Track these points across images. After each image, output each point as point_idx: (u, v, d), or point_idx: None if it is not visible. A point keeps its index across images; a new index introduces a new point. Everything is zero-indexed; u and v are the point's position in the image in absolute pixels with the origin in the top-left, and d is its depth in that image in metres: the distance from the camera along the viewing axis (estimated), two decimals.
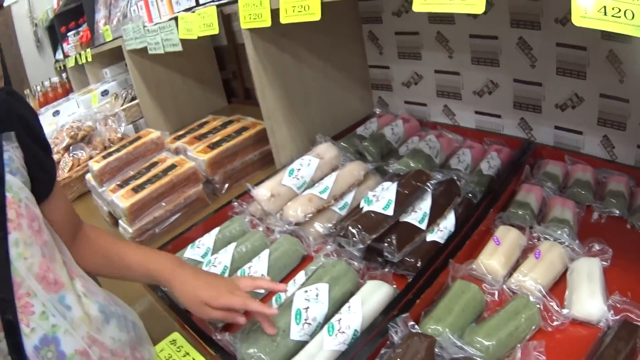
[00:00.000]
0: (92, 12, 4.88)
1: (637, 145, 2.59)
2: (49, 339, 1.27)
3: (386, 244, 2.16)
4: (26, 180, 1.38)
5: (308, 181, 2.65)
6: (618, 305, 1.79)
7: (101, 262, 1.79)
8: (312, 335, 1.86)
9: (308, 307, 1.90)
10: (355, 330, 1.81)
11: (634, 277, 1.96)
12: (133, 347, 1.60)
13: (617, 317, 1.76)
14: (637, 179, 2.53)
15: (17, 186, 1.32)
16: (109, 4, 4.52)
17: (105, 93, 4.74)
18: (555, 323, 1.81)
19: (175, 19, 3.06)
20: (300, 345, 1.82)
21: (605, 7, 1.35)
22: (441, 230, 2.30)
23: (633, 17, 1.32)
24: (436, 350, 1.67)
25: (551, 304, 1.87)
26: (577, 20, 1.42)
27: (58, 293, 1.35)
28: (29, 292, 1.26)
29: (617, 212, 2.33)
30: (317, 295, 1.96)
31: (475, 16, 2.91)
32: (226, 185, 3.23)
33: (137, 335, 1.67)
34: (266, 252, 2.27)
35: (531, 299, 1.87)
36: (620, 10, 1.34)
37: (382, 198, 2.33)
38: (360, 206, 2.38)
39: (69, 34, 6.08)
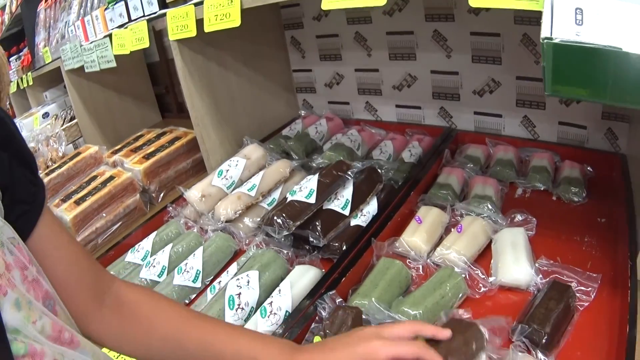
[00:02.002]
0: (33, 36, 4.76)
1: (558, 122, 2.61)
2: None
3: (311, 230, 2.13)
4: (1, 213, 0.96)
5: (237, 181, 2.62)
6: (546, 269, 1.79)
7: (157, 345, 1.26)
8: (247, 319, 1.87)
9: (240, 294, 1.89)
10: (287, 311, 1.80)
11: (562, 243, 1.97)
12: None
13: (546, 280, 1.74)
14: (562, 154, 2.53)
15: None
16: (48, 26, 4.38)
17: (46, 115, 4.66)
18: (482, 290, 1.79)
19: (110, 36, 3.02)
20: None
21: None
22: (364, 215, 2.28)
23: None
24: (364, 317, 1.67)
25: (476, 272, 1.84)
26: (474, 1, 1.44)
27: (77, 349, 0.99)
28: (56, 357, 0.89)
29: (541, 185, 2.34)
30: (248, 282, 1.95)
31: (391, 14, 2.90)
32: (162, 194, 3.18)
33: None
34: (200, 249, 2.25)
35: (456, 269, 1.83)
36: None
37: (304, 188, 2.29)
38: (285, 198, 2.35)
39: (11, 59, 5.91)
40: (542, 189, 2.35)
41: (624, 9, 1.19)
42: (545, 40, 1.17)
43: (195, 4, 2.39)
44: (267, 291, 1.96)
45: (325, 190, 2.30)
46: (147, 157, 3.17)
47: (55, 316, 0.97)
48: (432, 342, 1.35)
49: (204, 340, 1.24)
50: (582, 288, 1.70)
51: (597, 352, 1.47)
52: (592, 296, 1.68)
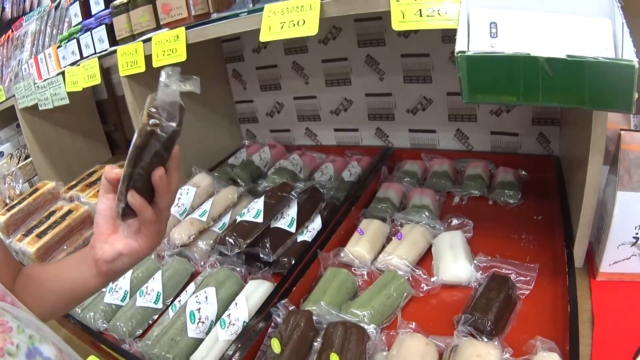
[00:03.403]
0: None
1: (491, 132, 2.70)
2: (32, 352, 1.14)
3: (261, 248, 2.18)
4: None
5: (188, 208, 2.67)
6: (485, 265, 1.88)
7: (40, 296, 1.45)
8: (207, 332, 1.91)
9: (200, 308, 1.93)
10: (244, 321, 1.86)
11: (500, 242, 2.07)
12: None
13: (486, 275, 1.81)
14: (497, 162, 2.62)
15: None
16: (1, 65, 4.29)
17: (0, 154, 4.71)
18: (425, 289, 1.86)
19: (63, 73, 3.03)
20: (199, 341, 1.87)
21: (420, 9, 1.50)
22: (310, 232, 2.34)
23: (446, 13, 1.46)
24: (315, 319, 1.74)
25: (418, 273, 1.92)
26: (396, 25, 1.55)
27: (18, 308, 1.21)
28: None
29: (477, 192, 2.43)
30: (206, 298, 1.98)
31: (325, 42, 2.98)
32: None
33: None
34: (159, 273, 2.28)
35: (399, 272, 1.91)
36: (434, 10, 1.49)
37: (252, 209, 2.36)
38: (236, 220, 2.40)
39: None
40: (478, 195, 2.44)
41: (534, 19, 1.32)
42: (459, 54, 1.27)
43: (144, 41, 2.44)
44: (224, 305, 1.99)
45: (272, 209, 2.36)
46: None
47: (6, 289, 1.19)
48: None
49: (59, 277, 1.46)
50: (522, 278, 1.78)
51: (542, 334, 1.51)
52: (532, 285, 1.76)
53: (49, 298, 1.45)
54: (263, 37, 1.88)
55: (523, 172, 2.52)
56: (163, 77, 1.13)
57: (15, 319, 1.14)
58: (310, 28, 1.75)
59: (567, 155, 2.34)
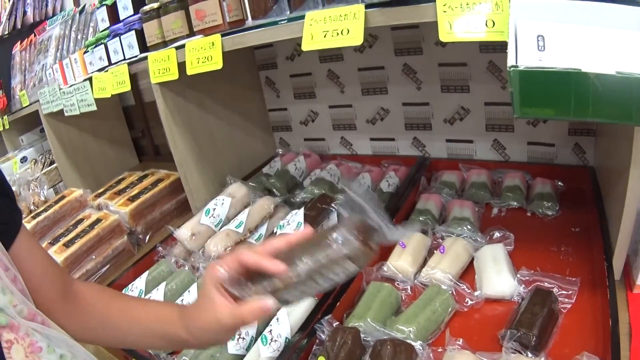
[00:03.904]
0: (8, 79, 4.77)
1: (527, 142, 2.72)
2: None
3: None
4: None
5: (224, 219, 2.68)
6: (527, 279, 1.88)
7: (101, 330, 1.48)
8: (248, 348, 1.91)
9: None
10: (286, 337, 1.86)
11: (540, 254, 2.07)
12: None
13: (529, 289, 1.83)
14: (533, 173, 2.63)
15: None
16: (23, 69, 4.44)
17: (24, 159, 4.63)
18: (470, 303, 1.87)
19: (90, 79, 3.04)
20: (239, 358, 1.88)
21: (468, 21, 1.51)
22: None
23: (494, 25, 1.45)
24: (362, 336, 1.74)
25: (462, 287, 1.93)
26: (444, 36, 1.56)
27: (50, 327, 1.20)
28: (28, 332, 1.10)
29: (515, 203, 2.44)
30: None
31: (362, 51, 3.00)
32: (148, 235, 3.21)
33: None
34: (194, 286, 2.29)
35: (443, 287, 1.92)
36: (482, 22, 1.46)
37: (292, 222, 2.38)
38: (274, 232, 2.42)
39: None
40: (516, 206, 2.45)
41: (581, 32, 1.33)
42: (512, 68, 1.28)
43: (177, 47, 2.45)
44: (264, 321, 1.99)
45: (312, 222, 2.37)
46: (132, 199, 3.21)
47: (31, 304, 1.17)
48: None
49: (129, 315, 1.48)
50: (564, 292, 1.80)
51: (584, 347, 1.54)
52: (574, 299, 1.78)
53: (114, 333, 1.49)
54: (305, 46, 1.87)
55: (560, 183, 2.54)
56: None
57: (45, 338, 1.14)
58: (355, 38, 1.74)
59: (603, 166, 2.36)
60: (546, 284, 1.85)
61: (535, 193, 2.47)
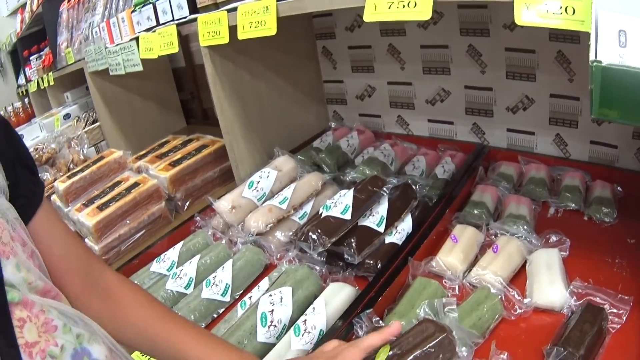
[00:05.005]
0: (55, 35, 4.80)
1: (590, 141, 2.62)
2: (79, 353, 1.08)
3: (346, 247, 2.15)
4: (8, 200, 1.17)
5: (267, 193, 2.64)
6: (580, 291, 1.80)
7: (133, 337, 1.42)
8: (279, 337, 1.86)
9: (273, 310, 1.89)
10: (321, 330, 1.81)
11: (594, 264, 1.98)
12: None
13: (580, 302, 1.76)
14: (593, 174, 2.55)
15: (5, 206, 1.12)
16: (70, 27, 4.45)
17: (67, 116, 4.68)
18: (518, 312, 1.81)
19: (137, 39, 3.03)
20: (268, 346, 1.82)
21: (547, 4, 1.38)
22: (399, 233, 2.30)
23: (574, 13, 1.35)
24: None
25: (512, 293, 1.86)
26: (519, 20, 1.44)
27: (64, 302, 1.16)
28: (44, 308, 1.04)
29: (573, 205, 2.35)
30: (281, 299, 1.95)
31: (425, 27, 2.93)
32: (187, 203, 3.19)
33: None
34: (229, 262, 2.25)
35: (492, 290, 1.86)
36: (561, 7, 1.37)
37: (339, 204, 2.31)
38: (320, 213, 2.36)
39: (31, 57, 5.99)
40: (574, 208, 2.37)
41: None
42: (595, 64, 1.19)
43: (229, 10, 2.40)
44: (300, 308, 1.96)
45: (361, 206, 2.32)
46: (173, 164, 3.19)
47: (49, 281, 1.16)
48: (401, 347, 1.50)
49: (173, 342, 1.41)
50: (614, 310, 1.73)
51: None
52: (624, 319, 1.70)
53: (148, 348, 1.46)
54: (368, 17, 1.80)
55: (619, 188, 2.45)
56: None
57: (62, 315, 1.09)
58: (423, 12, 1.64)
59: None
60: (598, 299, 1.78)
61: (594, 196, 2.39)
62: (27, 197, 1.24)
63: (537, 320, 1.80)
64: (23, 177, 1.24)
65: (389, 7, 1.73)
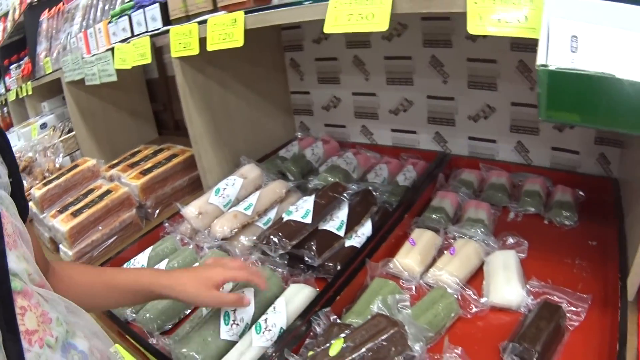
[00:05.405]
0: (34, 45, 4.80)
1: (552, 147, 2.65)
2: (66, 346, 1.15)
3: (307, 250, 2.16)
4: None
5: (233, 199, 2.64)
6: (537, 290, 1.82)
7: (80, 293, 1.57)
8: (241, 335, 1.86)
9: (235, 310, 1.89)
10: (281, 328, 1.82)
11: (553, 265, 2.00)
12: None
13: (537, 301, 1.77)
14: (555, 179, 2.56)
15: (8, 201, 1.19)
16: (50, 37, 4.44)
17: (44, 126, 4.66)
18: (474, 310, 1.82)
19: (112, 49, 3.03)
20: (231, 344, 1.83)
21: (499, 14, 1.44)
22: (359, 237, 2.31)
23: (526, 21, 1.40)
24: None
25: (468, 293, 1.87)
26: (471, 29, 1.49)
27: (54, 300, 1.20)
28: (39, 301, 1.11)
29: (533, 209, 2.37)
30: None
31: (389, 39, 2.94)
32: (157, 210, 3.19)
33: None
34: (196, 265, 2.26)
35: (448, 290, 1.87)
36: (514, 16, 1.41)
37: (301, 208, 2.33)
38: (282, 217, 2.37)
39: (11, 67, 5.97)
40: (534, 212, 2.39)
41: (616, 35, 1.24)
42: (541, 67, 1.22)
43: (199, 22, 2.42)
44: (261, 308, 1.94)
45: (321, 211, 2.33)
46: (144, 172, 3.19)
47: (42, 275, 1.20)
48: (354, 340, 1.55)
49: (108, 279, 1.72)
50: (573, 308, 1.73)
51: None
52: (583, 316, 1.71)
53: (92, 301, 1.66)
54: (328, 29, 1.81)
55: (580, 193, 2.47)
56: None
57: (55, 310, 1.15)
58: (380, 23, 1.68)
59: (628, 179, 2.30)
60: (556, 297, 1.80)
61: (554, 201, 2.40)
62: (23, 205, 1.31)
63: (494, 319, 1.81)
64: (18, 188, 1.29)
65: (349, 20, 1.75)
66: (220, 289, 1.99)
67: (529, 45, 2.40)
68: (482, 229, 2.20)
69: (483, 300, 1.85)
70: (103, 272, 1.86)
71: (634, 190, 2.02)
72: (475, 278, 2.04)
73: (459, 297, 1.88)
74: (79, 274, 1.67)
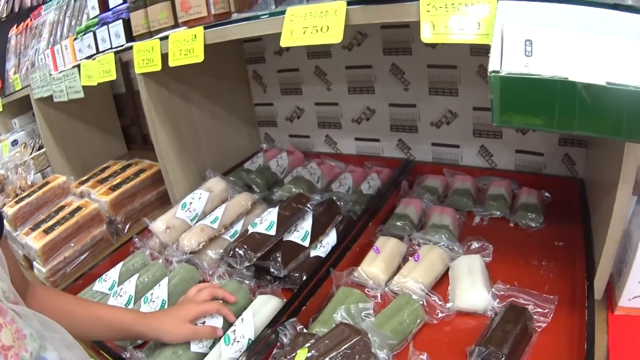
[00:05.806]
0: (3, 61, 4.71)
1: (515, 150, 2.65)
2: None
3: (272, 262, 2.15)
4: None
5: (200, 213, 2.63)
6: (503, 293, 1.82)
7: (62, 319, 1.44)
8: (211, 347, 1.87)
9: (204, 322, 1.89)
10: (249, 339, 1.82)
11: (519, 268, 2.01)
12: None
13: (503, 304, 1.76)
14: (520, 182, 2.57)
15: None
16: (18, 53, 4.39)
17: (15, 143, 4.61)
18: (440, 316, 1.81)
19: (78, 66, 3.00)
20: (201, 356, 1.84)
21: (452, 22, 1.44)
22: (324, 246, 2.30)
23: (479, 27, 1.40)
24: None
25: (434, 299, 1.86)
26: (423, 37, 1.49)
27: (28, 316, 1.23)
28: (14, 318, 1.14)
29: (498, 213, 2.37)
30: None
31: (350, 48, 2.93)
32: (127, 225, 3.16)
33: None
34: (165, 280, 2.24)
35: (413, 296, 1.86)
36: (467, 23, 1.42)
37: (265, 221, 2.32)
38: (247, 230, 2.36)
39: None
40: (499, 216, 2.38)
41: (573, 39, 1.24)
42: (493, 74, 1.21)
43: (161, 39, 2.41)
44: (229, 320, 1.95)
45: (285, 222, 2.32)
46: (113, 188, 3.16)
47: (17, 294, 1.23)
48: (319, 349, 1.55)
49: (91, 309, 1.78)
50: (539, 310, 1.73)
51: None
52: (550, 317, 1.71)
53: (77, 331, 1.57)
54: (284, 42, 1.83)
55: (546, 194, 2.46)
56: None
57: (28, 326, 1.18)
58: (335, 35, 1.68)
59: (593, 179, 2.29)
60: (522, 300, 1.79)
61: (520, 203, 2.40)
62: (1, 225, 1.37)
63: (460, 324, 1.80)
64: None
65: (304, 32, 1.75)
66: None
67: (489, 50, 2.41)
68: (447, 235, 2.19)
69: (449, 305, 1.84)
70: (89, 304, 1.90)
71: (600, 190, 2.00)
72: (441, 284, 2.02)
73: (425, 303, 1.87)
74: (65, 303, 1.72)
